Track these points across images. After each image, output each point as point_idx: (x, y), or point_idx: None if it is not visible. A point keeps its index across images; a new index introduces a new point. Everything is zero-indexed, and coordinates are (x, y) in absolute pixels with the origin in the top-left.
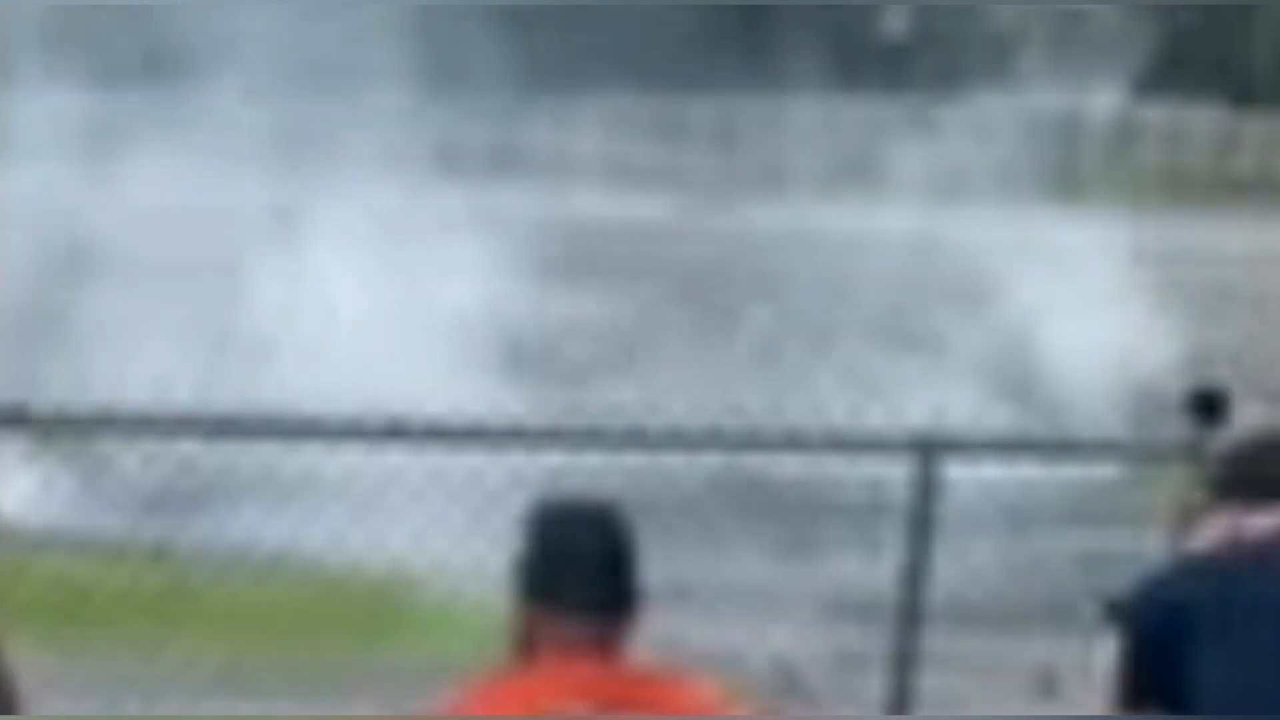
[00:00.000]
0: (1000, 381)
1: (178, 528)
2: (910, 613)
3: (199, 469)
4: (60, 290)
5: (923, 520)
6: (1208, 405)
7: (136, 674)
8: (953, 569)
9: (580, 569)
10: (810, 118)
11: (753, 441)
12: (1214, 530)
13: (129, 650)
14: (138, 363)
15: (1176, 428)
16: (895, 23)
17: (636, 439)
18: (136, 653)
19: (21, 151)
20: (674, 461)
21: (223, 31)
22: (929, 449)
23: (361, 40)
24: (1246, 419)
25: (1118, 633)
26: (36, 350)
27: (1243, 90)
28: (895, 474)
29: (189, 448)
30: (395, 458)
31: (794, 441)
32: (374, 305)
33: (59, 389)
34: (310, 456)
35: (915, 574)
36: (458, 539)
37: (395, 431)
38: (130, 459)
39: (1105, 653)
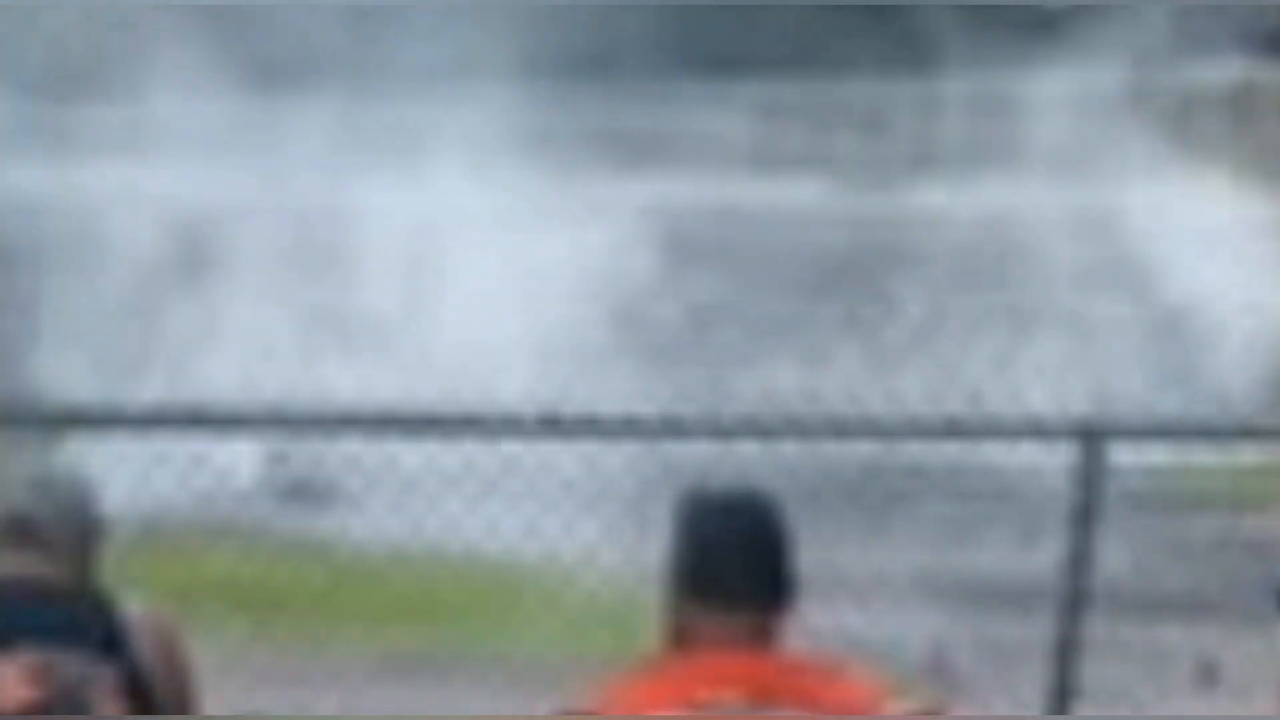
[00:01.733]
0: (1162, 364)
1: (296, 521)
2: (1073, 601)
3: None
4: (187, 286)
5: (1085, 508)
6: None
7: (305, 665)
8: (1115, 556)
9: (734, 560)
10: (961, 96)
11: (913, 429)
12: None
13: (293, 641)
14: (276, 357)
15: None
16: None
17: (792, 427)
18: (302, 644)
19: (163, 150)
20: (830, 450)
21: (351, 25)
22: (1092, 435)
23: (508, 27)
24: None
25: None
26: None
27: None
28: (1054, 460)
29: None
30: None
31: (954, 429)
32: (519, 292)
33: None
34: (431, 448)
35: (1078, 562)
36: (610, 529)
37: (549, 423)
38: (222, 455)
39: None
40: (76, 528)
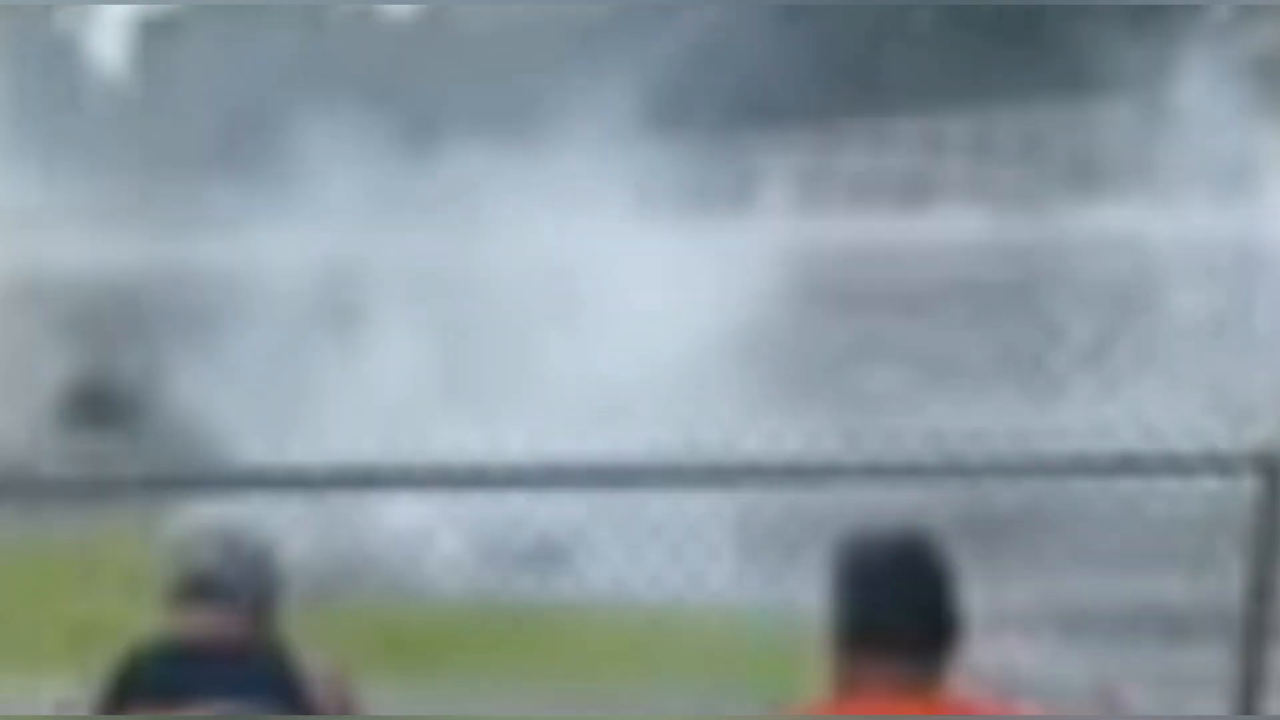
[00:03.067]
0: None
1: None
2: (1256, 633)
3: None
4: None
5: (1265, 541)
6: None
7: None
8: None
9: (897, 604)
10: (1116, 119)
11: (1083, 466)
12: None
13: (488, 691)
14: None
15: None
16: (1220, 12)
17: (955, 469)
18: (496, 693)
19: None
20: (995, 486)
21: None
22: (1271, 467)
23: (647, 73)
24: None
25: None
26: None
27: None
28: (1235, 487)
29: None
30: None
31: (1127, 465)
32: (679, 334)
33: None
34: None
35: (1261, 593)
36: (772, 577)
37: (716, 473)
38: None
39: None
40: (258, 585)
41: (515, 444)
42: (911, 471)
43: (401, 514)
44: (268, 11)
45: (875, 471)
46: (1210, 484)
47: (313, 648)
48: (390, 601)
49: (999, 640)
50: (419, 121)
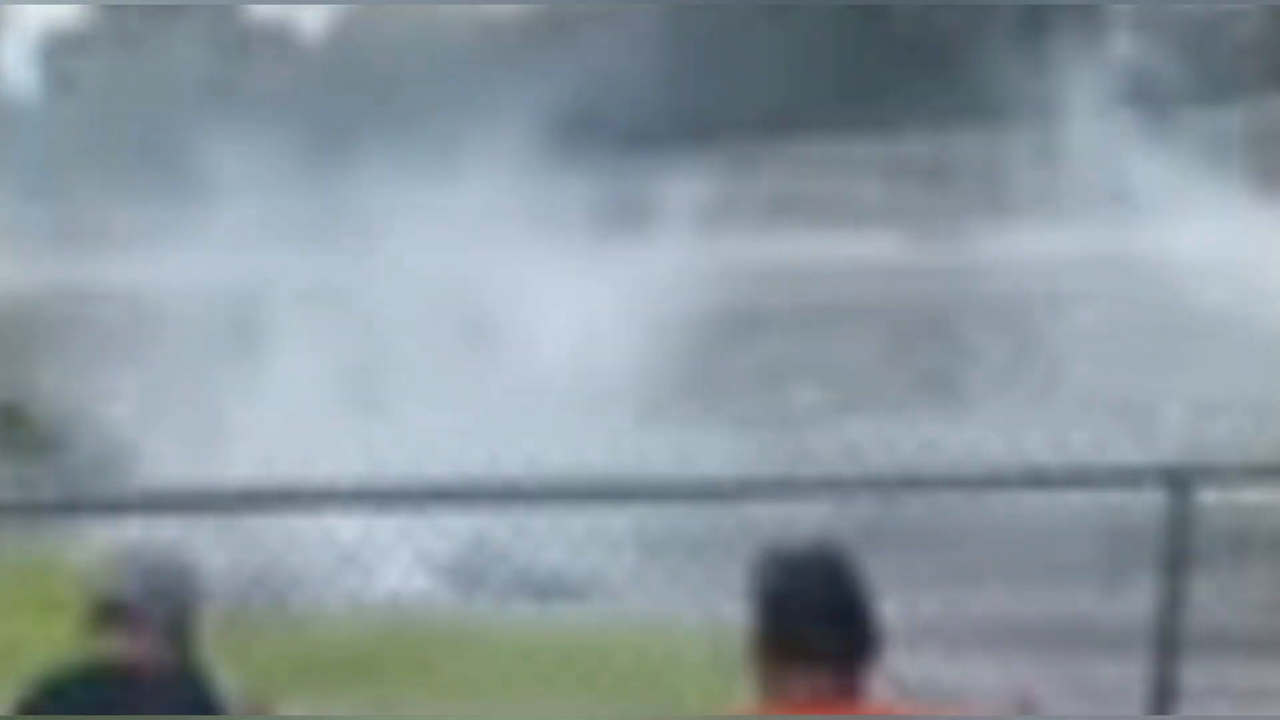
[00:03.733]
0: (1250, 400)
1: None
2: (1167, 643)
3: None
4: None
5: (1177, 553)
6: None
7: None
8: (1210, 596)
9: (814, 617)
10: (1022, 143)
11: (996, 480)
12: None
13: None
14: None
15: None
16: (1120, 44)
17: (872, 484)
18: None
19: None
20: (910, 501)
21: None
22: (1180, 480)
23: (563, 94)
24: None
25: None
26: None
27: None
28: (1146, 501)
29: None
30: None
31: (1039, 479)
32: (593, 353)
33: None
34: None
35: (1171, 606)
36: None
37: (632, 491)
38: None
39: None
40: (175, 608)
41: (424, 463)
42: (828, 486)
43: (322, 533)
44: (179, 26)
45: (792, 486)
46: (1121, 497)
47: (231, 670)
48: (312, 621)
49: (917, 651)
50: (327, 140)
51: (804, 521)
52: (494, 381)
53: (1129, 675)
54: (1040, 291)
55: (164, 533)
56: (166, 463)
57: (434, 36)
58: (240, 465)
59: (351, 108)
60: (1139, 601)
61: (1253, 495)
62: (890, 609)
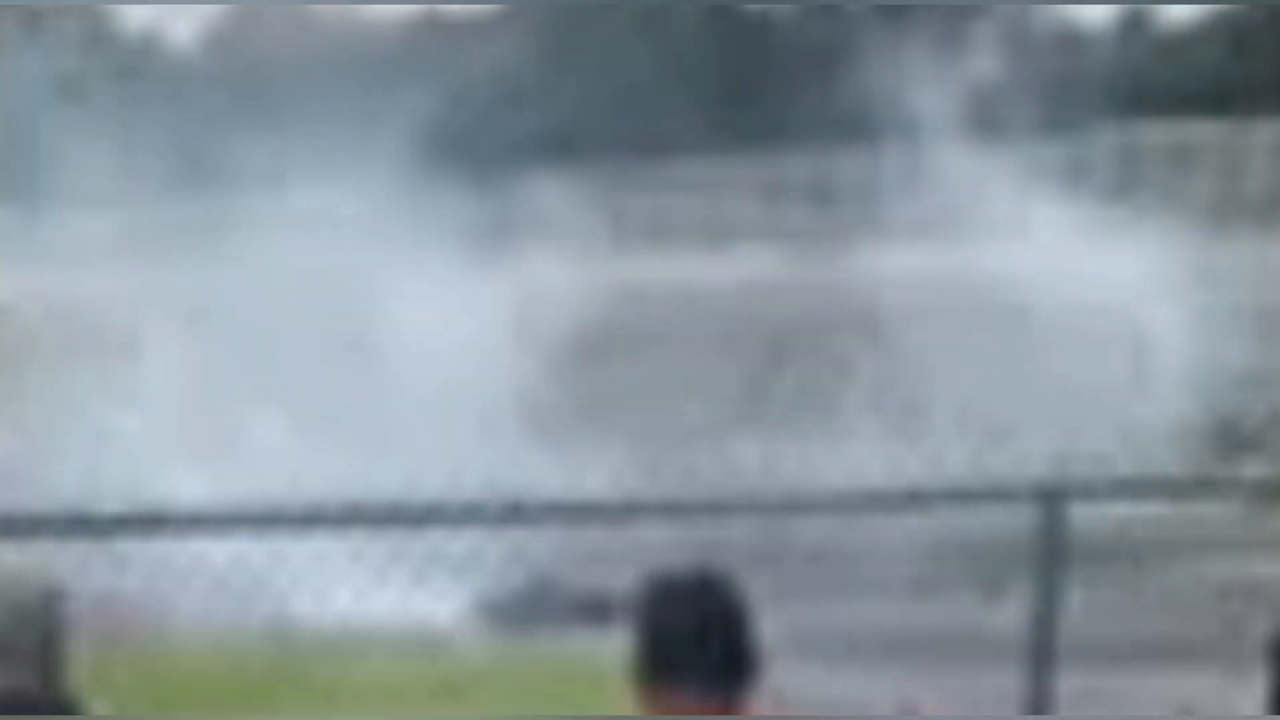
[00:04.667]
0: (1121, 415)
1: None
2: (1042, 655)
3: None
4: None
5: (1050, 566)
6: None
7: None
8: (1086, 606)
9: (693, 641)
10: (902, 161)
11: (875, 501)
12: None
13: None
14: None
15: None
16: (986, 63)
17: (750, 505)
18: None
19: None
20: (792, 521)
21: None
22: (1052, 496)
23: (466, 109)
24: None
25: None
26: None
27: None
28: (1022, 516)
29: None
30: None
31: (916, 498)
32: (476, 371)
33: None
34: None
35: (1045, 617)
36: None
37: (512, 510)
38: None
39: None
40: (40, 637)
41: (285, 483)
42: (710, 508)
43: (194, 557)
44: (47, 30)
45: (675, 509)
46: (997, 514)
47: (101, 698)
48: (183, 646)
49: (801, 667)
50: (198, 150)
51: (687, 541)
52: (370, 398)
53: (1007, 685)
54: (916, 309)
55: (27, 558)
56: (25, 482)
57: (310, 42)
58: (103, 483)
59: (225, 114)
60: (1016, 613)
61: (1122, 508)
62: (773, 626)
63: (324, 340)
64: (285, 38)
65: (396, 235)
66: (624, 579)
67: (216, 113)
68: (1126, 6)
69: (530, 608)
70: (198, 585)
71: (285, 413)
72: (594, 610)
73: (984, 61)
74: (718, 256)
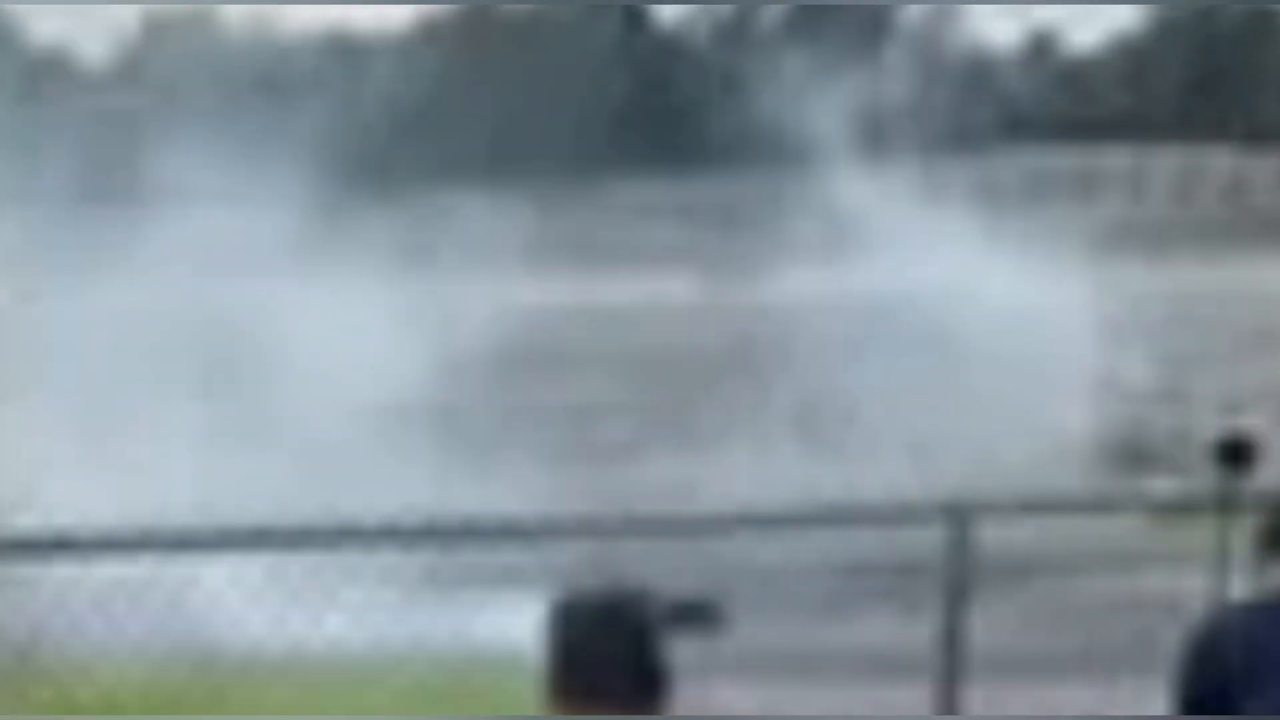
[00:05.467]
0: (1041, 430)
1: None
2: (950, 670)
3: None
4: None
5: (958, 583)
6: (1235, 452)
7: None
8: (993, 622)
9: (605, 659)
10: (816, 191)
11: (788, 518)
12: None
13: None
14: None
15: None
16: (892, 91)
17: (672, 526)
18: None
19: None
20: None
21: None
22: (960, 514)
23: (379, 129)
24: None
25: (1180, 676)
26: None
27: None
28: (930, 535)
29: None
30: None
31: (828, 517)
32: (398, 392)
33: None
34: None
35: (953, 634)
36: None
37: (428, 530)
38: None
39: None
40: None
41: (180, 505)
42: (633, 525)
43: (97, 577)
44: None
45: (591, 527)
46: (908, 533)
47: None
48: (65, 669)
49: (716, 684)
50: (107, 168)
51: (607, 559)
52: (290, 418)
53: (919, 699)
54: (826, 330)
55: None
56: None
57: (221, 61)
58: None
59: (136, 135)
60: (927, 629)
61: (1028, 527)
62: (690, 643)
63: (239, 358)
64: (196, 55)
65: (303, 254)
66: (720, 586)
67: (123, 129)
68: (1033, 33)
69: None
70: (111, 608)
71: (193, 431)
72: (691, 616)
73: (895, 85)
74: (634, 278)
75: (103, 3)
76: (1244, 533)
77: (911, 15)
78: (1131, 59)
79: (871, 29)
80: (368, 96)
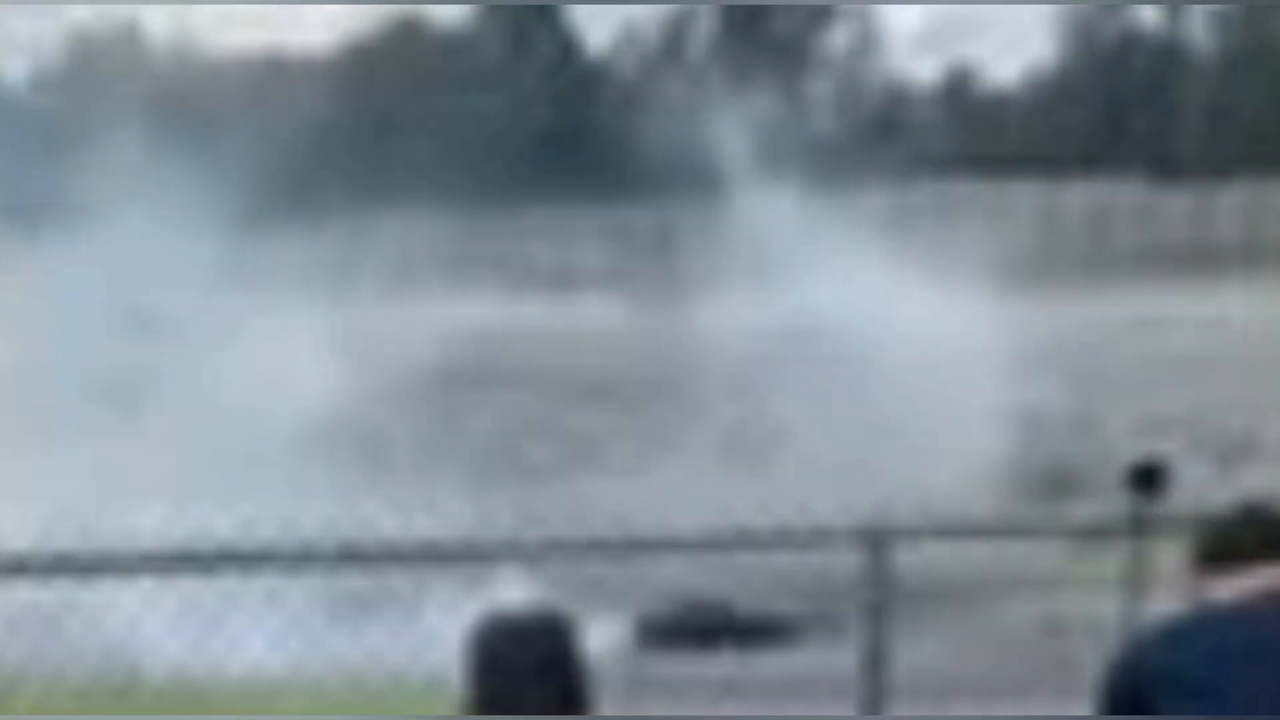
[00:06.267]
0: (960, 456)
1: None
2: (873, 694)
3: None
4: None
5: (877, 606)
6: (1147, 477)
7: None
8: (915, 645)
9: (524, 677)
10: (739, 217)
11: (709, 542)
12: (1185, 597)
13: None
14: None
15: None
16: (820, 118)
17: (597, 548)
18: None
19: None
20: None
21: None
22: (877, 538)
23: (304, 151)
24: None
25: (1104, 697)
26: None
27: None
28: (848, 559)
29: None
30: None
31: (746, 540)
32: (319, 413)
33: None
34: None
35: (873, 657)
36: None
37: (347, 554)
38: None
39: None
40: None
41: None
42: (554, 548)
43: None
44: None
45: (516, 549)
46: (829, 556)
47: None
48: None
49: (645, 706)
50: (18, 184)
51: (530, 581)
52: (202, 439)
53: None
54: (750, 355)
55: None
56: None
57: (145, 81)
58: None
59: (48, 154)
60: (849, 653)
61: (944, 551)
62: (614, 670)
63: (121, 378)
64: (119, 75)
65: (221, 272)
66: (797, 601)
67: (42, 148)
68: (950, 69)
69: (693, 629)
70: (26, 632)
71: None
72: (767, 630)
73: (819, 116)
74: (560, 300)
75: (107, 3)
76: (1160, 556)
77: (834, 48)
78: (1046, 95)
79: (795, 61)
80: (294, 116)
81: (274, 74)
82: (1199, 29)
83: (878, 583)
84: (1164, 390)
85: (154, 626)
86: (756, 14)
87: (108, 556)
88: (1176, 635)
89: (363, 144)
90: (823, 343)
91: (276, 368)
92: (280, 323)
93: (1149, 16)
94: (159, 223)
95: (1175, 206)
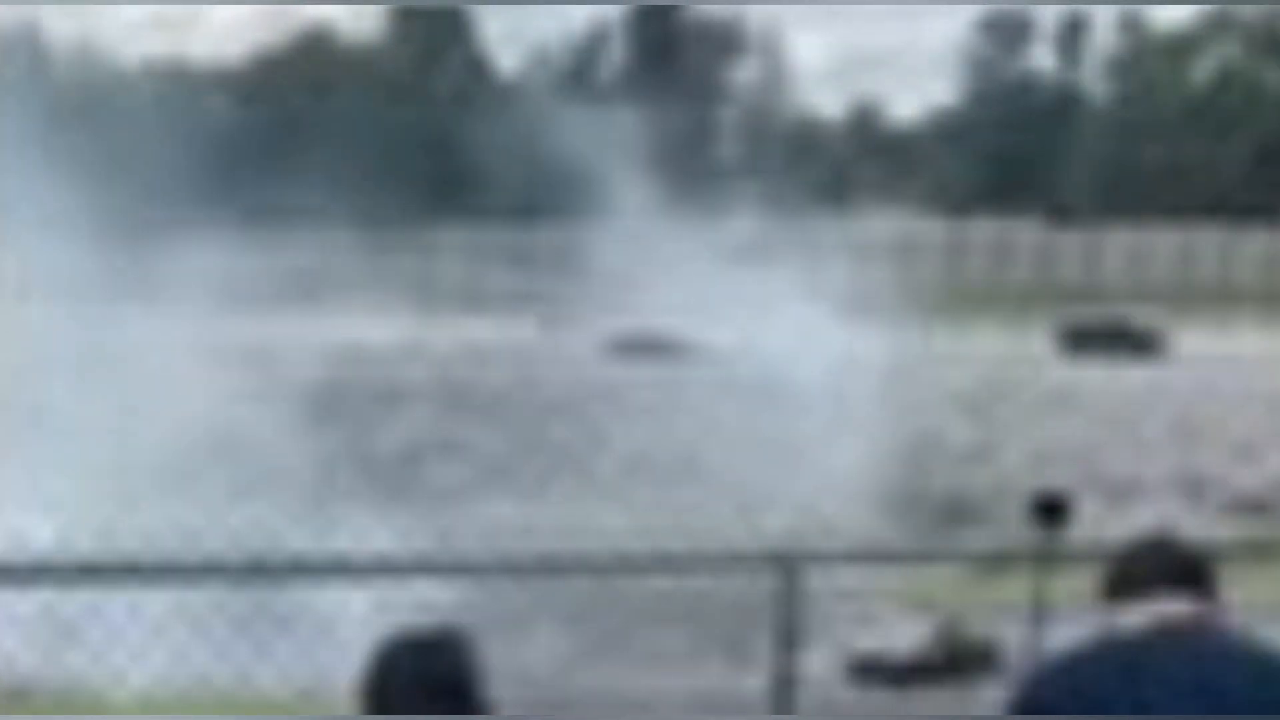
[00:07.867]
0: (861, 484)
1: None
2: (781, 714)
3: None
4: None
5: (787, 631)
6: (1049, 509)
7: None
8: (826, 667)
9: (422, 696)
10: (648, 242)
11: (623, 565)
12: (1090, 626)
13: None
14: None
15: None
16: (727, 148)
17: (505, 565)
18: None
19: None
20: (544, 583)
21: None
22: (788, 564)
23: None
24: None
25: None
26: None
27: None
28: (762, 582)
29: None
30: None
31: (662, 563)
32: (227, 431)
33: None
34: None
35: (783, 680)
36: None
37: (255, 568)
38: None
39: None
40: None
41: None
42: (463, 568)
43: None
44: None
45: (428, 568)
46: (738, 581)
47: None
48: None
49: None
50: None
51: (436, 602)
52: (95, 453)
53: None
54: (658, 380)
55: None
56: None
57: (47, 89)
58: None
59: None
60: (760, 676)
61: (854, 575)
62: (522, 690)
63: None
64: (17, 79)
65: (117, 283)
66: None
67: None
68: (856, 104)
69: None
70: None
71: None
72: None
73: (726, 147)
74: (467, 320)
75: (121, 4)
76: (1061, 585)
77: (746, 82)
78: (947, 132)
79: (707, 92)
80: (198, 127)
81: (180, 83)
82: (1092, 77)
83: (789, 607)
84: (1060, 421)
85: (53, 638)
86: (669, 44)
87: (5, 567)
88: (1078, 662)
89: (267, 156)
90: (733, 370)
91: (167, 383)
92: (172, 335)
93: (1046, 62)
94: (51, 230)
95: (1070, 245)
